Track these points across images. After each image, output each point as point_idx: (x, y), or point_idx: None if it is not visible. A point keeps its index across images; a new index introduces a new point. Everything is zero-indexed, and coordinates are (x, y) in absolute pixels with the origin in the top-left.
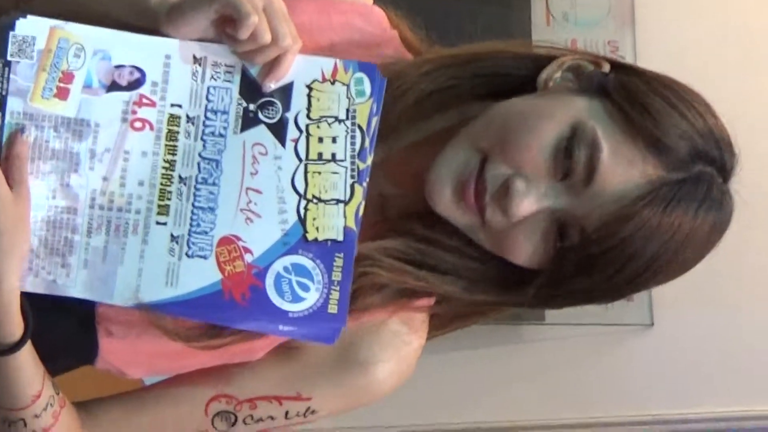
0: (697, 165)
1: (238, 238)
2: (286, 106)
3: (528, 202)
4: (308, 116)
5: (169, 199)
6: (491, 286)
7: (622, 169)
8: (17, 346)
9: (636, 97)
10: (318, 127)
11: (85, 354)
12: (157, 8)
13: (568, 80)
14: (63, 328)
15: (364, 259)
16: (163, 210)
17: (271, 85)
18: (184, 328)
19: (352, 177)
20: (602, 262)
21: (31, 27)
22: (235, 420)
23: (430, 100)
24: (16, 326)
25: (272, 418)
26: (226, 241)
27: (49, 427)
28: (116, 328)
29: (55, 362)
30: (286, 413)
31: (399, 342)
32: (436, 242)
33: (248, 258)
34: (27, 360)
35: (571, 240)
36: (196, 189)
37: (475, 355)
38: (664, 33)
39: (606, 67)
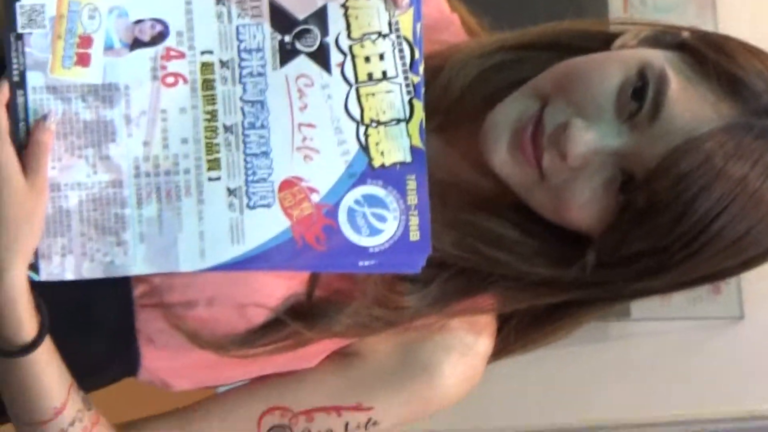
0: None
1: (301, 179)
2: (324, 31)
3: (586, 140)
4: (349, 36)
5: (217, 152)
6: (549, 260)
7: (692, 104)
8: (31, 347)
9: (713, 40)
10: (362, 46)
11: (127, 365)
12: None
13: (644, 43)
14: (101, 340)
15: None
16: (214, 164)
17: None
18: (212, 336)
19: (409, 92)
20: (662, 206)
21: None
22: None
23: (490, 81)
24: (25, 325)
25: (331, 430)
26: (287, 184)
27: None
28: (157, 336)
29: (96, 377)
30: (346, 425)
31: (463, 345)
32: (496, 217)
33: (315, 198)
34: (45, 366)
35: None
36: (245, 135)
37: (560, 354)
38: (747, 16)
39: (686, 33)
